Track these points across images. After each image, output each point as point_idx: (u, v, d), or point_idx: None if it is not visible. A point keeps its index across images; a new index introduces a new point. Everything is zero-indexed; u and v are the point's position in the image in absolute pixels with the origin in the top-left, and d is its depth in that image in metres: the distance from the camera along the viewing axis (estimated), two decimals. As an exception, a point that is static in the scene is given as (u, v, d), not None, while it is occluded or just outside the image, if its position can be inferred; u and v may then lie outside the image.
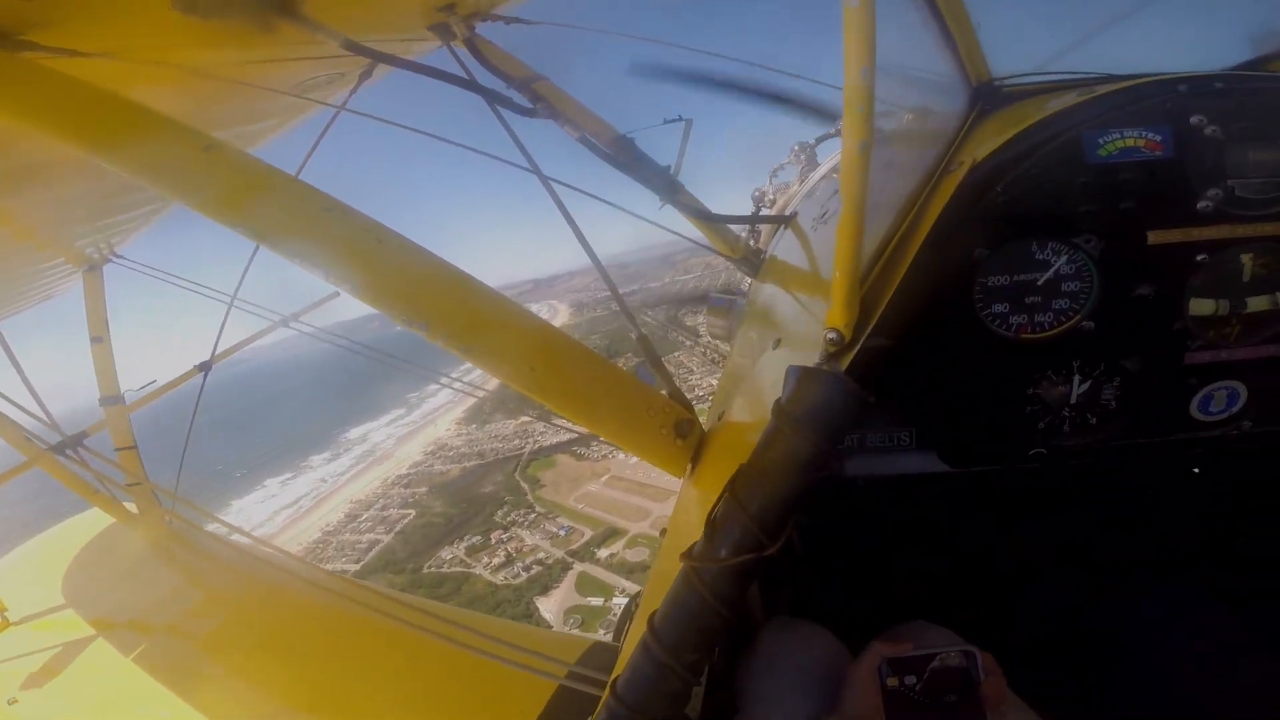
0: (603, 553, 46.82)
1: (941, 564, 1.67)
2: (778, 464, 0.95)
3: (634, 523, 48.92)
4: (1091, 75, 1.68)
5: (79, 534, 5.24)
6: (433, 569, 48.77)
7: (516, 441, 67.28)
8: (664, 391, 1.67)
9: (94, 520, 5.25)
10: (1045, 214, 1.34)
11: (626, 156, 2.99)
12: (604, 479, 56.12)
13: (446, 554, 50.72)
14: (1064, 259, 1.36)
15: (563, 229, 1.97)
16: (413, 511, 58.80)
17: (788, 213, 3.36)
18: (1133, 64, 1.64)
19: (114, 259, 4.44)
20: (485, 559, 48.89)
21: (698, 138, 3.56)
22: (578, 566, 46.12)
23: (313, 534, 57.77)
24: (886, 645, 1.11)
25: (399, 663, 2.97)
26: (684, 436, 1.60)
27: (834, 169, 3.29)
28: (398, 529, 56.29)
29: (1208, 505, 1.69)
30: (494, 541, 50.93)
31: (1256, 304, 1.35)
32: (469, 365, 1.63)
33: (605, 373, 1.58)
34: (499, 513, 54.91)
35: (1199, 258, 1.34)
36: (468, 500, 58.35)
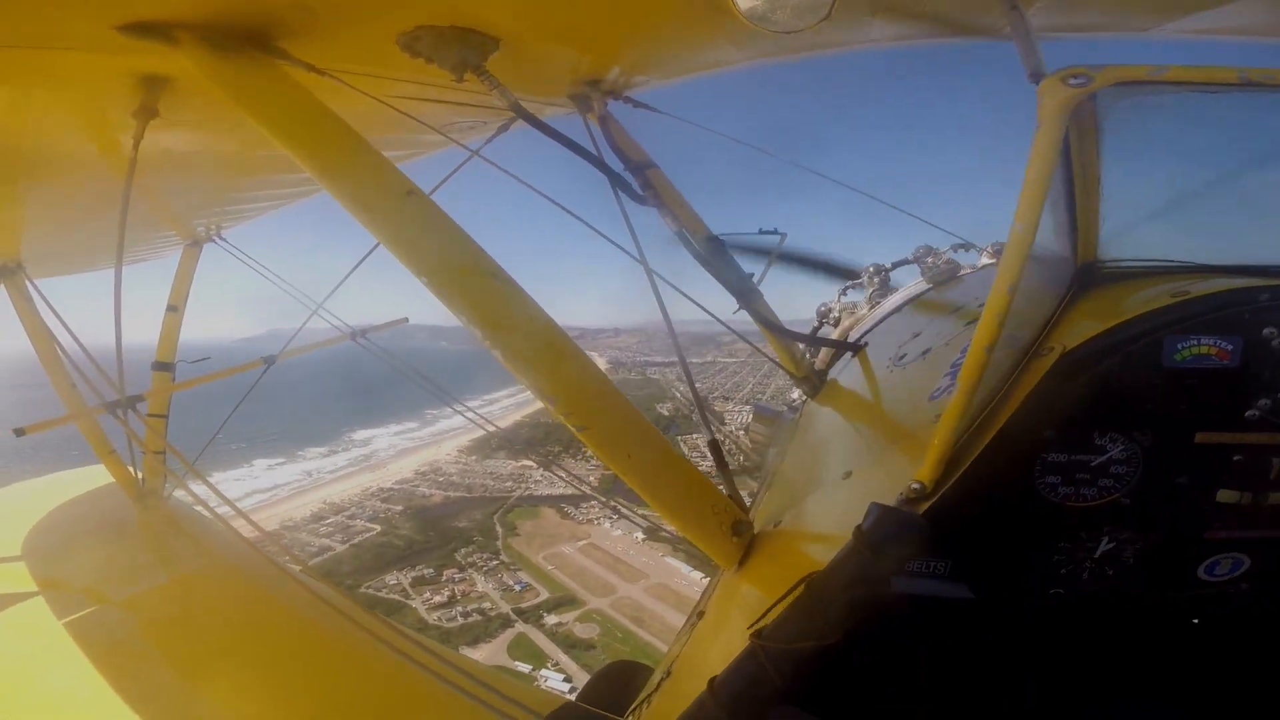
0: (551, 619, 44.32)
1: (952, 677, 1.76)
2: (850, 575, 1.19)
3: (596, 597, 46.36)
4: (1187, 265, 1.80)
5: (67, 489, 5.20)
6: (369, 590, 46.40)
7: (510, 483, 65.63)
8: (725, 492, 1.87)
9: (87, 479, 5.22)
10: (1115, 409, 1.47)
11: (715, 256, 3.16)
12: (581, 543, 53.88)
13: (391, 579, 48.58)
14: (1119, 448, 1.49)
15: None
16: (378, 527, 56.96)
17: (853, 337, 3.47)
18: (1236, 248, 1.74)
19: (217, 240, 4.71)
20: (427, 594, 46.68)
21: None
22: (519, 626, 43.63)
23: (271, 525, 56.38)
24: None
25: (366, 688, 2.86)
26: (739, 535, 1.80)
27: (909, 301, 3.42)
28: (355, 540, 54.37)
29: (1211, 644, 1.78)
30: (444, 578, 48.78)
31: (1276, 498, 1.50)
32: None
33: (683, 469, 1.78)
34: (462, 551, 52.91)
35: (1235, 458, 1.48)
36: (437, 530, 56.41)
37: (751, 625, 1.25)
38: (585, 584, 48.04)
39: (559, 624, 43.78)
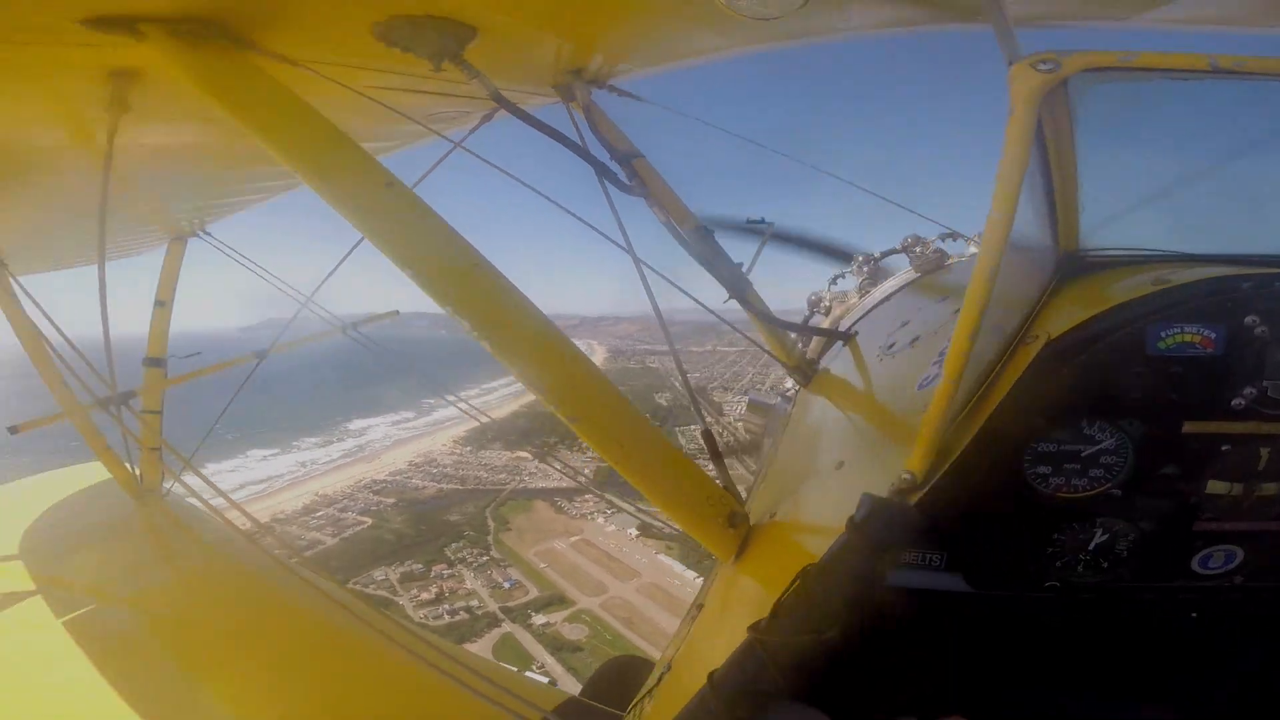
0: (539, 619, 43.73)
1: (947, 668, 1.76)
2: (845, 568, 1.17)
3: (586, 596, 45.84)
4: (1169, 254, 1.80)
5: (64, 487, 5.16)
6: (357, 585, 45.42)
7: (504, 475, 65.00)
8: (720, 484, 1.86)
9: (84, 475, 5.17)
10: (1102, 397, 1.47)
11: (704, 246, 3.15)
12: (573, 539, 53.40)
13: (380, 574, 48.06)
14: (1108, 437, 1.50)
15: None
16: (369, 520, 56.45)
17: (844, 326, 3.47)
18: (1218, 237, 1.76)
19: (202, 235, 4.67)
20: (415, 590, 46.15)
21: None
22: (506, 626, 43.01)
23: (261, 518, 55.55)
24: None
25: (371, 683, 2.85)
26: (734, 527, 1.81)
27: (899, 290, 3.43)
28: (346, 534, 53.90)
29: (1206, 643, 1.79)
30: (432, 575, 48.34)
31: (1266, 489, 1.48)
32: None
33: (677, 460, 1.77)
34: (452, 546, 52.51)
35: (1223, 447, 1.47)
36: (428, 523, 55.88)
37: (753, 620, 1.23)
38: (576, 582, 47.59)
39: (547, 624, 43.24)
